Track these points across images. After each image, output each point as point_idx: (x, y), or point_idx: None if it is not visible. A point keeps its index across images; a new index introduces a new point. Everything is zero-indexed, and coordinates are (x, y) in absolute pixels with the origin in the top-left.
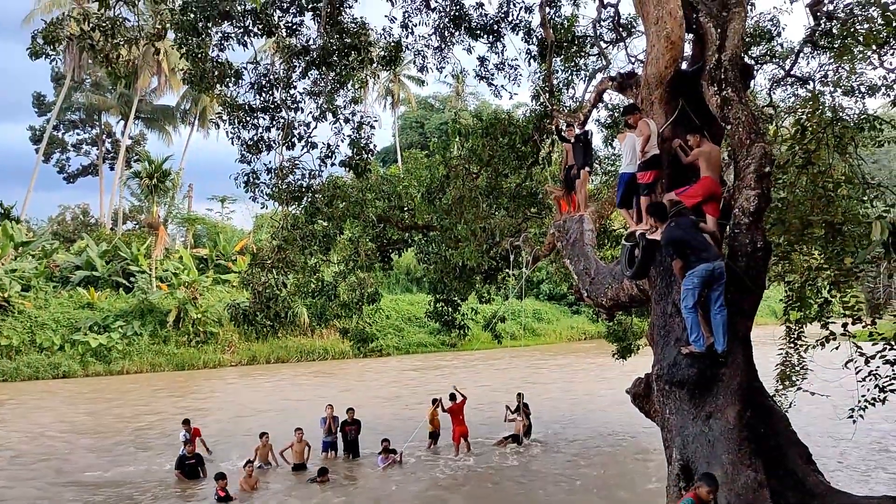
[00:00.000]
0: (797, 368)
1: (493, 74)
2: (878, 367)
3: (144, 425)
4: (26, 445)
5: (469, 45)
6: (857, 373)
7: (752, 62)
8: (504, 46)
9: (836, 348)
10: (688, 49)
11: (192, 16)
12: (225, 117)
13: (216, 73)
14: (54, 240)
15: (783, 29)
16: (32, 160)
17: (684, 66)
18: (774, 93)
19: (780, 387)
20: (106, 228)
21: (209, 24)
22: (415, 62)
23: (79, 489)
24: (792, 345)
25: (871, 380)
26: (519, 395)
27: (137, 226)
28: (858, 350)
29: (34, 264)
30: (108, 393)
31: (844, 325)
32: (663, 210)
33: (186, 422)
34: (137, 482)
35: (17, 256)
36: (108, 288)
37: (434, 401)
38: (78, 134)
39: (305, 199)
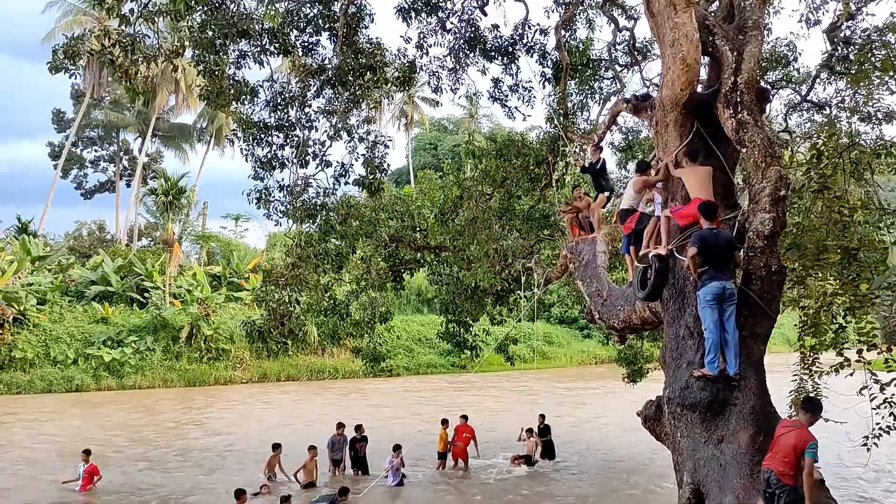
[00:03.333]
0: (811, 395)
1: (506, 96)
2: (894, 394)
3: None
4: None
5: (483, 67)
6: (871, 400)
7: (769, 87)
8: (518, 68)
9: (851, 375)
10: (703, 72)
11: (210, 33)
12: (240, 134)
13: (232, 90)
14: (70, 255)
15: (800, 54)
16: (50, 176)
17: (700, 89)
18: (790, 118)
19: (794, 413)
20: (121, 244)
21: (227, 42)
22: (429, 83)
23: None
24: (806, 371)
25: (885, 407)
26: (541, 416)
27: (152, 242)
28: (873, 377)
29: (50, 278)
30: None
31: (859, 352)
32: (714, 210)
33: (87, 452)
34: None
35: (33, 270)
36: (122, 303)
37: (443, 421)
38: (96, 151)
39: (320, 217)
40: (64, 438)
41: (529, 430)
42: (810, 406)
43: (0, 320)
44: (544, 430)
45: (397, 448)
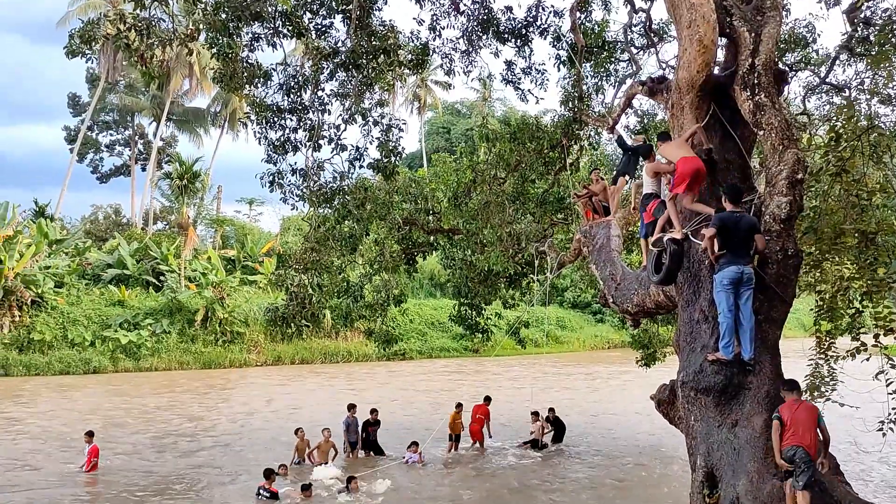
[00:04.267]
0: (826, 379)
1: (520, 79)
2: None
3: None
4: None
5: (496, 49)
6: (888, 385)
7: (787, 69)
8: (532, 51)
9: (867, 360)
10: (720, 54)
11: (223, 16)
12: (253, 117)
13: (246, 73)
14: (87, 238)
15: (819, 35)
16: (67, 160)
17: (716, 70)
18: (809, 101)
19: (809, 397)
20: (137, 228)
21: (240, 25)
22: (442, 66)
23: None
24: (822, 356)
25: None
26: (550, 409)
27: (167, 226)
28: (890, 362)
29: (67, 262)
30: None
31: (876, 337)
32: (739, 193)
33: (90, 434)
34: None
35: (50, 254)
36: (138, 286)
37: (457, 405)
38: (111, 135)
39: (337, 200)
40: (71, 420)
41: (535, 414)
42: (793, 385)
43: (18, 303)
44: (554, 422)
45: (414, 445)
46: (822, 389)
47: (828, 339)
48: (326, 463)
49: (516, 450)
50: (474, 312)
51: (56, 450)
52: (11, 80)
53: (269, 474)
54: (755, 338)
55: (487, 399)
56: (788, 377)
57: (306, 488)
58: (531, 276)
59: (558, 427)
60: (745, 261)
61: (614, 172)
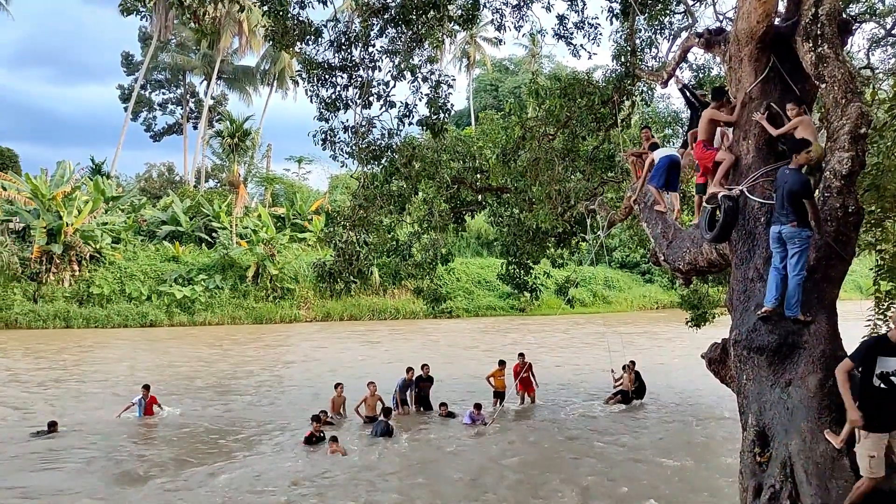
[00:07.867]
0: None
1: (572, 33)
2: None
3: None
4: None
5: (548, 3)
6: None
7: (851, 20)
8: (584, 4)
9: None
10: (781, 4)
11: None
12: (304, 75)
13: (296, 30)
14: (142, 196)
15: None
16: (121, 119)
17: (777, 21)
18: (873, 54)
19: None
20: (189, 186)
21: None
22: (493, 21)
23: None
24: (881, 316)
25: None
26: (632, 362)
27: (219, 184)
28: None
29: (123, 218)
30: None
31: None
32: (801, 144)
33: (146, 387)
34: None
35: (107, 210)
36: (191, 243)
37: (500, 362)
38: (164, 93)
39: (385, 158)
40: (129, 370)
41: (625, 367)
42: None
43: (78, 257)
44: (636, 378)
45: (478, 406)
46: None
47: (887, 299)
48: (374, 417)
49: (568, 405)
50: (522, 271)
51: (114, 397)
52: (66, 42)
53: (315, 419)
54: (812, 297)
55: (521, 356)
56: None
57: (334, 440)
58: (580, 234)
59: (639, 384)
60: (784, 220)
61: (684, 132)
